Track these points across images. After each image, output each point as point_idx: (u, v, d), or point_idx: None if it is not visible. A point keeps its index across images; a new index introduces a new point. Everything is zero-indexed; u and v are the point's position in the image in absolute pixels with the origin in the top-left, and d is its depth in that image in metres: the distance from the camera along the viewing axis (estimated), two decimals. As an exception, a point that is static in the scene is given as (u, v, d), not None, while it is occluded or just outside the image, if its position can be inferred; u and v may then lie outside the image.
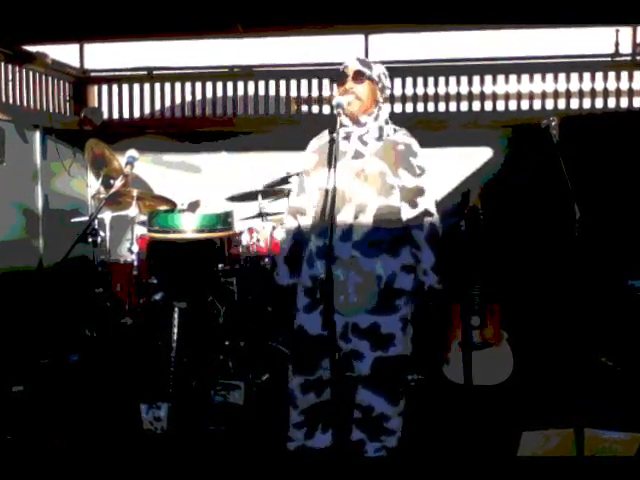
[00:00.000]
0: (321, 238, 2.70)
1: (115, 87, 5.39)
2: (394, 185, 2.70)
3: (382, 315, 2.70)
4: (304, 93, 5.22)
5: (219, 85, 5.29)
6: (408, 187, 2.71)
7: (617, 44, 4.96)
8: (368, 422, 2.77)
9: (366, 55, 5.07)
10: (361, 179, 2.68)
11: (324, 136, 2.88)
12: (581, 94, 4.99)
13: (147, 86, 5.35)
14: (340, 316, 2.65)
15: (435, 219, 2.73)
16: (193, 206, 4.79)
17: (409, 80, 5.13)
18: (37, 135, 4.81)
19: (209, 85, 5.30)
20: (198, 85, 5.30)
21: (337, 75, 2.76)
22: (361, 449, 2.80)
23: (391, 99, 5.14)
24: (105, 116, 5.32)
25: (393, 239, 2.71)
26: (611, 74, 4.93)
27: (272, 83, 5.23)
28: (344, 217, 2.66)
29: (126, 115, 5.39)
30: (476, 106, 5.08)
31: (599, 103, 4.97)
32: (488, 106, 5.08)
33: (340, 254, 2.66)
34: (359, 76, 2.72)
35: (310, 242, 2.79)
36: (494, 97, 5.09)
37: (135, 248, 3.99)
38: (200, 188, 5.05)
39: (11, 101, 4.61)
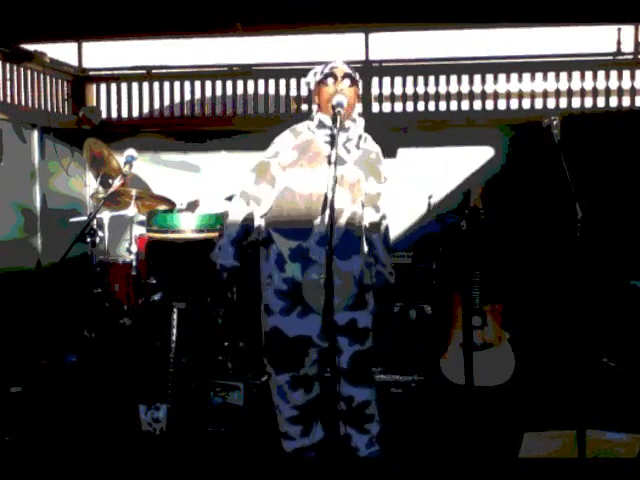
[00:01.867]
0: (295, 240, 2.71)
1: (114, 86, 5.37)
2: (364, 192, 2.82)
3: (357, 311, 2.79)
4: (304, 92, 5.20)
5: (218, 84, 5.27)
6: (372, 193, 2.85)
7: (619, 42, 4.93)
8: (351, 412, 2.82)
9: (366, 54, 5.06)
10: (341, 185, 2.69)
11: (300, 132, 2.84)
12: (583, 93, 4.95)
13: (146, 85, 5.33)
14: (318, 316, 2.71)
15: (387, 221, 2.94)
16: (192, 206, 4.77)
17: (409, 79, 5.10)
18: (35, 134, 4.79)
19: (208, 84, 5.27)
20: (197, 84, 5.27)
21: (324, 75, 2.72)
22: (350, 443, 2.83)
23: (391, 98, 5.12)
24: (103, 115, 5.30)
25: (359, 241, 2.82)
26: (613, 73, 4.90)
27: (272, 82, 5.21)
28: (323, 222, 2.66)
29: (125, 114, 5.36)
30: (477, 105, 5.05)
31: (601, 102, 4.94)
32: (489, 105, 5.05)
33: (318, 258, 2.67)
34: (347, 78, 2.72)
35: (277, 243, 2.76)
36: (495, 96, 5.06)
37: (134, 248, 3.98)
38: (199, 188, 5.03)
39: (9, 100, 4.59)
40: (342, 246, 2.72)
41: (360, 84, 2.82)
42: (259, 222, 2.85)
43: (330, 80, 2.71)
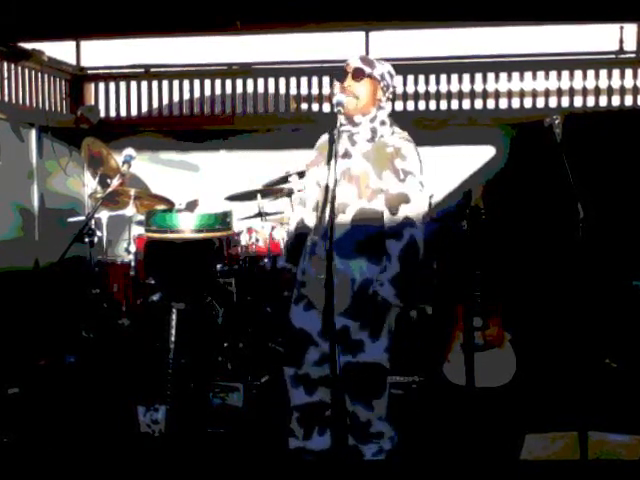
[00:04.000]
0: (316, 234, 2.74)
1: (112, 85, 5.36)
2: (377, 189, 2.63)
3: (352, 319, 2.64)
4: (304, 91, 5.18)
5: (218, 83, 5.26)
6: (391, 192, 2.62)
7: (622, 41, 4.91)
8: (357, 428, 2.75)
9: (367, 52, 5.03)
10: (345, 179, 2.66)
11: (326, 133, 2.88)
12: (585, 92, 4.95)
13: (144, 84, 5.31)
14: (319, 313, 2.66)
15: (416, 231, 2.58)
16: (191, 205, 4.75)
17: (410, 78, 5.09)
18: (33, 133, 4.77)
19: (207, 83, 5.26)
20: (196, 83, 5.26)
21: (339, 73, 2.72)
22: (358, 453, 2.77)
23: (392, 97, 5.09)
24: (102, 114, 5.29)
25: (375, 244, 2.64)
26: (615, 71, 4.90)
27: (271, 81, 5.19)
28: (326, 215, 2.63)
29: (123, 113, 5.35)
30: (478, 104, 5.04)
31: (603, 101, 4.93)
32: (490, 104, 5.04)
33: (319, 252, 2.67)
34: (358, 74, 2.68)
35: (310, 236, 2.82)
36: (497, 95, 5.05)
37: (132, 248, 3.96)
38: (198, 187, 5.01)
39: (7, 99, 4.57)
40: (343, 243, 2.62)
41: (380, 75, 2.71)
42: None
43: (342, 77, 2.69)
